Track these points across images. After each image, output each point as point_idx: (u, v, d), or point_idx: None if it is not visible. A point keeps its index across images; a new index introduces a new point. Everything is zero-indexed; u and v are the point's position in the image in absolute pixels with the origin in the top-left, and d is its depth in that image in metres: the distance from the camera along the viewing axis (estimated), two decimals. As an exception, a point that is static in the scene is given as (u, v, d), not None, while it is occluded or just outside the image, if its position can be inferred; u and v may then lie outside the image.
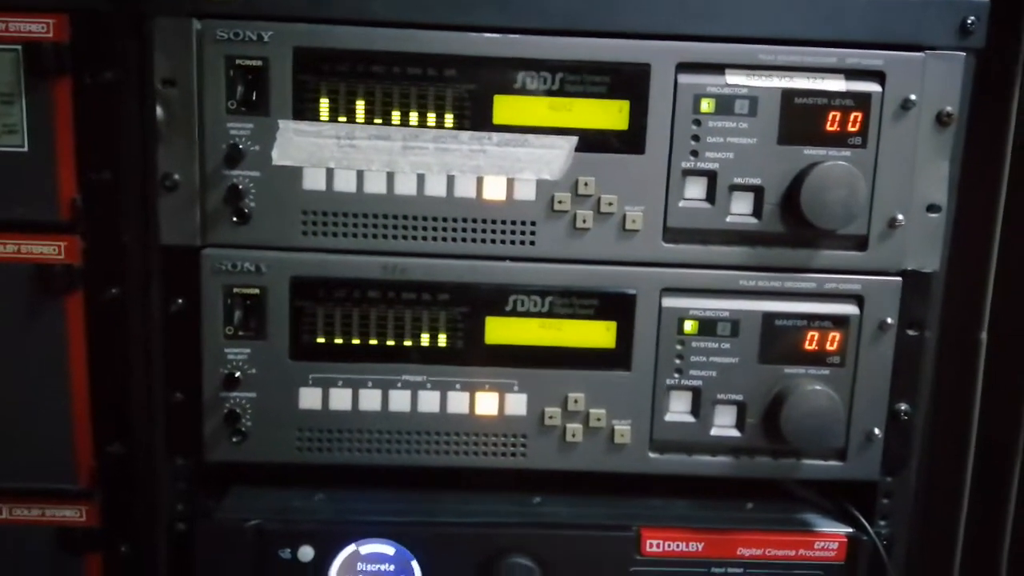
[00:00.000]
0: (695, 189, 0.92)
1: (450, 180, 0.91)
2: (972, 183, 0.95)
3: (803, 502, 1.03)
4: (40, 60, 0.86)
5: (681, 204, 0.92)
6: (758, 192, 0.92)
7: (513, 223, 0.92)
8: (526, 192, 0.91)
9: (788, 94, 0.90)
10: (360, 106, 0.89)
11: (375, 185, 0.90)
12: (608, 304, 0.94)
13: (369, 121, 0.89)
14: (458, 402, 0.95)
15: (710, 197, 0.92)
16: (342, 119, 0.89)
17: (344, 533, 0.95)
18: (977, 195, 0.95)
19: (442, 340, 0.94)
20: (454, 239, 0.92)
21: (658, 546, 0.96)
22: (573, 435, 0.95)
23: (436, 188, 0.91)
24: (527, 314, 0.94)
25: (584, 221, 0.92)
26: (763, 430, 0.95)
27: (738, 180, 0.91)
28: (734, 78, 0.90)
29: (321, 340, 0.93)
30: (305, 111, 0.89)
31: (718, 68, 0.90)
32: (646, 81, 0.90)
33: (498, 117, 0.90)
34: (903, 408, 0.96)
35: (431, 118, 0.90)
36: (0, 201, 0.89)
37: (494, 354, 0.94)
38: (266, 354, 0.93)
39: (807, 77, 0.90)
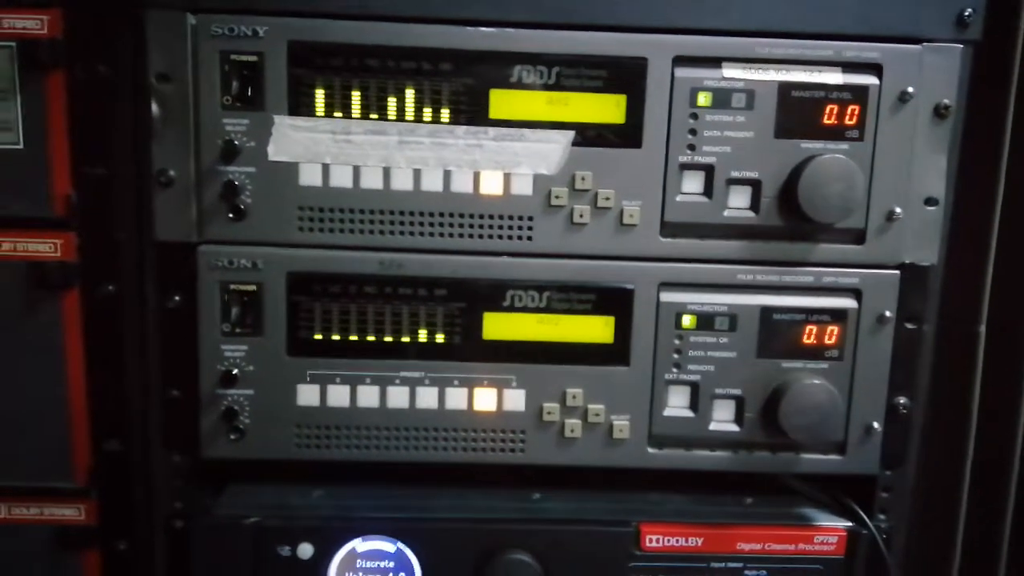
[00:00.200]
0: (692, 183, 0.92)
1: (447, 175, 0.90)
2: (970, 176, 0.95)
3: (802, 496, 1.03)
4: (34, 56, 0.86)
5: (678, 198, 0.92)
6: (755, 186, 0.92)
7: (510, 218, 0.92)
8: (523, 187, 0.91)
9: (785, 87, 0.90)
10: (356, 101, 0.89)
11: (371, 180, 0.90)
12: (606, 299, 0.94)
13: (365, 116, 0.89)
14: (456, 398, 0.95)
15: (707, 191, 0.92)
16: (338, 114, 0.89)
17: (343, 530, 0.95)
18: (975, 188, 0.95)
19: (440, 336, 0.94)
20: (451, 234, 0.92)
21: (657, 541, 0.96)
22: (572, 430, 0.95)
23: (433, 183, 0.90)
24: (525, 309, 0.94)
25: (581, 216, 0.91)
26: (762, 424, 0.95)
27: (735, 174, 0.91)
28: (731, 71, 0.90)
29: (318, 336, 0.93)
30: (301, 106, 0.89)
31: (715, 61, 0.90)
32: (643, 75, 0.89)
33: (494, 111, 0.90)
34: (902, 402, 0.96)
35: (427, 113, 0.89)
36: (-4, 198, 0.89)
37: (492, 350, 0.94)
38: (263, 351, 0.93)
39: (804, 70, 0.90)
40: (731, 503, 1.01)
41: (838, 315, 0.94)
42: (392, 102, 0.89)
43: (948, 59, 0.91)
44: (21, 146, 0.88)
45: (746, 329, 0.94)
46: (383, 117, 0.89)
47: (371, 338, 0.93)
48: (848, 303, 0.94)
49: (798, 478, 1.05)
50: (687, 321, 0.94)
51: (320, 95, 0.89)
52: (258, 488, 0.99)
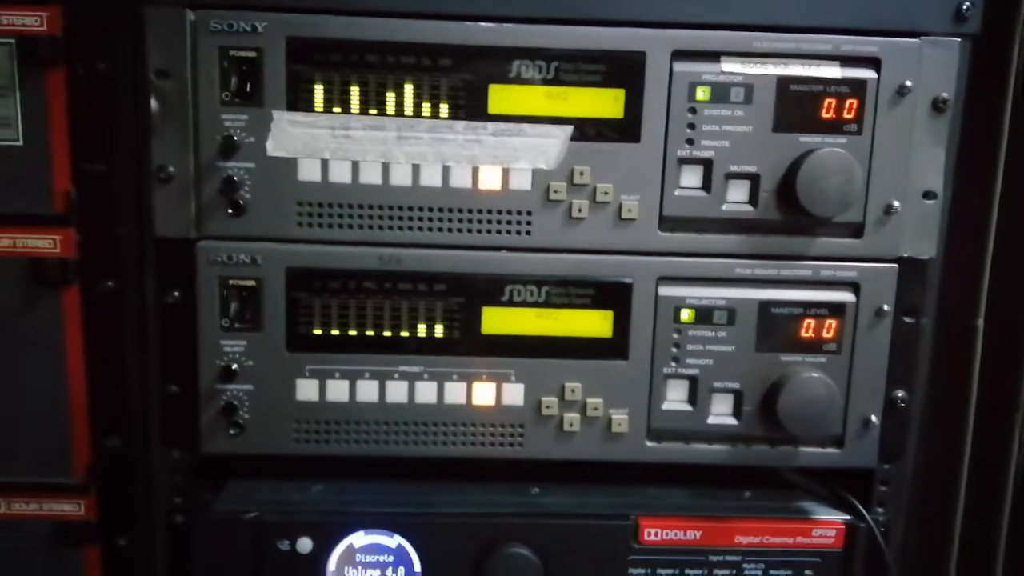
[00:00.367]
0: (691, 177, 0.92)
1: (446, 170, 0.90)
2: (968, 169, 0.95)
3: (800, 490, 1.03)
4: (34, 53, 0.86)
5: (677, 193, 0.92)
6: (754, 180, 0.92)
7: (509, 213, 0.92)
8: (522, 182, 0.91)
9: (783, 81, 0.90)
10: (355, 96, 0.89)
11: (370, 176, 0.90)
12: (604, 293, 0.94)
13: (364, 111, 0.89)
14: (455, 392, 0.95)
15: (706, 185, 0.92)
16: (336, 110, 0.89)
17: (343, 524, 0.95)
18: (973, 181, 0.95)
19: (439, 331, 0.94)
20: (450, 229, 0.92)
21: (656, 535, 0.97)
22: (570, 424, 0.95)
23: (432, 178, 0.91)
24: (523, 304, 0.94)
25: (580, 210, 0.91)
26: (760, 418, 0.95)
27: (734, 168, 0.91)
28: (729, 66, 0.90)
29: (318, 332, 0.93)
30: (299, 102, 0.89)
31: (713, 56, 0.90)
32: (641, 69, 0.89)
33: (493, 106, 0.90)
34: (900, 395, 0.96)
35: (426, 108, 0.89)
36: (-5, 195, 0.89)
37: (491, 344, 0.94)
38: (262, 346, 0.93)
39: (802, 64, 0.90)
40: (729, 496, 1.01)
41: (836, 309, 0.94)
42: (391, 98, 0.89)
43: (946, 53, 0.91)
44: (21, 143, 0.88)
45: (744, 323, 0.94)
46: (382, 113, 0.89)
47: (370, 333, 0.93)
48: (846, 297, 0.94)
49: (796, 471, 1.05)
50: (685, 315, 0.94)
51: (319, 91, 0.89)
52: (258, 483, 0.99)
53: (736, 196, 0.93)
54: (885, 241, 0.94)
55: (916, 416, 0.99)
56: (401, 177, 0.90)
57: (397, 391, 0.94)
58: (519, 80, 0.89)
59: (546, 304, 0.94)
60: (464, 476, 1.01)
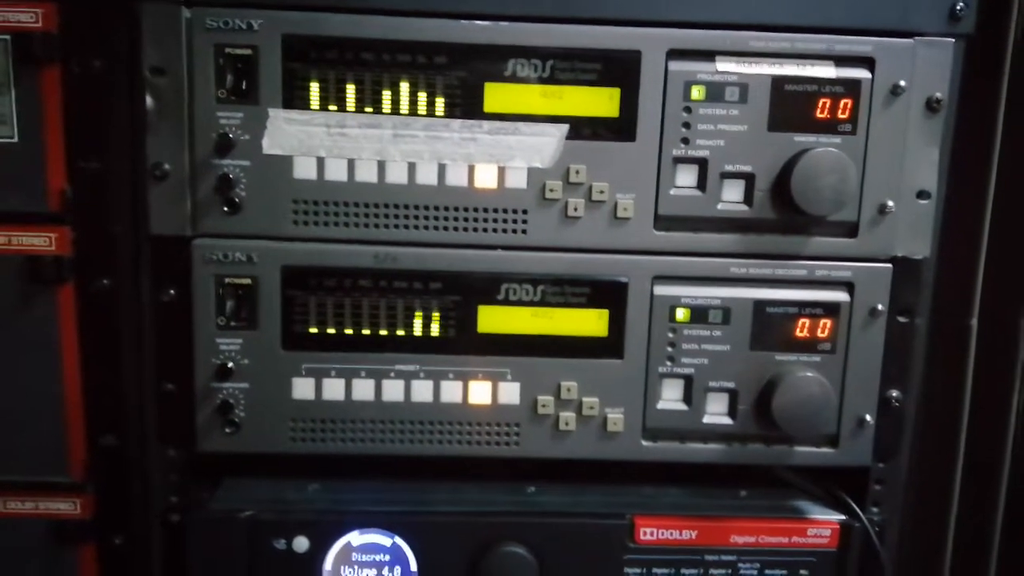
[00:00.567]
0: (686, 176, 0.92)
1: (441, 168, 0.91)
2: (962, 169, 0.95)
3: (795, 489, 1.04)
4: (29, 49, 0.86)
5: (672, 192, 0.92)
6: (749, 179, 0.92)
7: (504, 211, 0.92)
8: (517, 180, 0.91)
9: (778, 81, 0.90)
10: (350, 94, 0.89)
11: (366, 174, 0.90)
12: (600, 292, 0.94)
13: (359, 109, 0.89)
14: (451, 391, 0.95)
15: (701, 184, 0.92)
16: (332, 107, 0.89)
17: (339, 523, 0.95)
18: (967, 181, 0.95)
19: (435, 329, 0.94)
20: (446, 228, 0.92)
21: (651, 534, 0.97)
22: (566, 423, 0.95)
23: (427, 176, 0.91)
24: (519, 303, 0.94)
25: (575, 209, 0.92)
26: (755, 417, 0.96)
27: (729, 167, 0.92)
28: (724, 65, 0.90)
29: (313, 330, 0.93)
30: (295, 99, 0.89)
31: (708, 55, 0.90)
32: (637, 68, 0.90)
33: (489, 105, 0.90)
34: (894, 394, 0.97)
35: (422, 106, 0.90)
36: (-10, 192, 0.89)
37: (487, 343, 0.94)
38: (258, 344, 0.93)
39: (797, 64, 0.91)
40: (725, 496, 1.01)
41: (831, 308, 0.95)
42: (387, 95, 0.89)
43: (940, 53, 0.91)
44: (16, 140, 0.88)
45: (739, 322, 0.95)
46: (378, 111, 0.90)
47: (366, 332, 0.93)
48: (841, 296, 0.95)
49: (791, 470, 1.05)
50: (681, 314, 0.94)
51: (314, 88, 0.89)
52: (253, 482, 0.99)
53: (731, 195, 0.93)
54: (879, 241, 0.94)
55: (910, 415, 0.99)
56: (397, 175, 0.91)
57: (393, 390, 0.94)
58: (515, 79, 0.89)
59: (542, 303, 0.94)
60: (460, 475, 1.01)
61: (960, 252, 0.97)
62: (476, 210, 0.92)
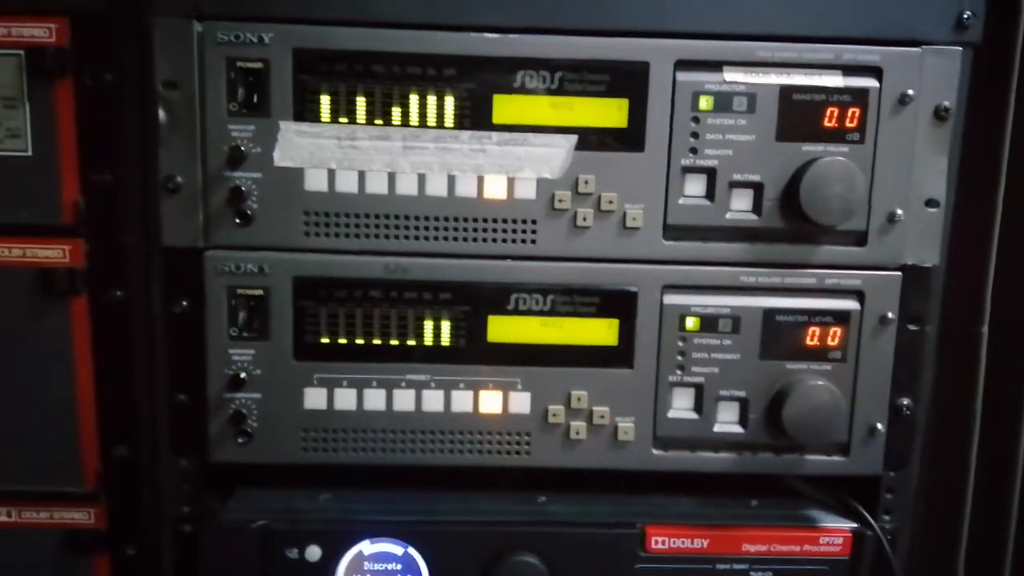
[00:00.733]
0: (695, 186, 0.93)
1: (451, 180, 0.91)
2: (970, 177, 0.95)
3: (806, 498, 1.03)
4: (42, 64, 0.87)
5: (681, 201, 0.92)
6: (757, 189, 0.92)
7: (514, 222, 0.92)
8: (527, 191, 0.92)
9: (786, 90, 0.91)
10: (361, 106, 0.90)
11: (376, 185, 0.91)
12: (610, 302, 0.94)
13: (370, 121, 0.90)
14: (462, 401, 0.95)
15: (710, 194, 0.92)
16: (343, 120, 0.90)
17: (351, 533, 0.95)
18: (976, 189, 0.95)
19: (445, 339, 0.94)
20: (455, 238, 0.92)
21: (663, 543, 0.97)
22: (577, 433, 0.95)
23: (437, 188, 0.91)
24: (529, 312, 0.94)
25: (585, 219, 0.92)
26: (766, 426, 0.96)
27: (737, 177, 0.92)
28: (732, 75, 0.90)
29: (325, 340, 0.93)
30: (306, 112, 0.89)
31: (716, 65, 0.91)
32: (645, 79, 0.90)
33: (498, 116, 0.90)
34: (905, 403, 0.97)
35: (431, 118, 0.90)
36: (5, 205, 0.90)
37: (497, 353, 0.94)
38: (270, 355, 0.93)
39: (805, 73, 0.91)
40: (736, 505, 1.01)
41: (841, 317, 0.95)
42: (396, 108, 0.90)
43: (948, 61, 0.91)
44: (29, 153, 0.89)
45: (749, 331, 0.95)
46: (388, 123, 0.90)
47: (377, 342, 0.94)
48: (851, 305, 0.95)
49: (802, 479, 1.05)
50: (691, 323, 0.95)
51: (325, 101, 0.89)
52: (266, 492, 1.00)
53: (740, 205, 0.93)
54: (889, 249, 0.94)
55: (921, 423, 0.99)
56: (407, 187, 0.91)
57: (404, 399, 0.95)
58: (523, 90, 0.90)
59: (551, 312, 0.94)
60: (471, 484, 1.01)
61: (969, 259, 0.96)
62: (486, 221, 0.92)
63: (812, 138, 0.91)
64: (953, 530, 1.01)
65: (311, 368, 0.94)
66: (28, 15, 0.87)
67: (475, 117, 0.90)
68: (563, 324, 0.94)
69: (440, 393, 0.95)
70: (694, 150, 0.91)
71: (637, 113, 0.91)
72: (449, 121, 0.90)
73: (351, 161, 0.90)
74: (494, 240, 0.93)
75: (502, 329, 0.94)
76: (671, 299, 0.94)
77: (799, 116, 0.91)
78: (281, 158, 0.90)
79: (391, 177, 0.91)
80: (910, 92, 0.91)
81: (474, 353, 0.94)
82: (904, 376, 0.96)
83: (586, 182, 0.91)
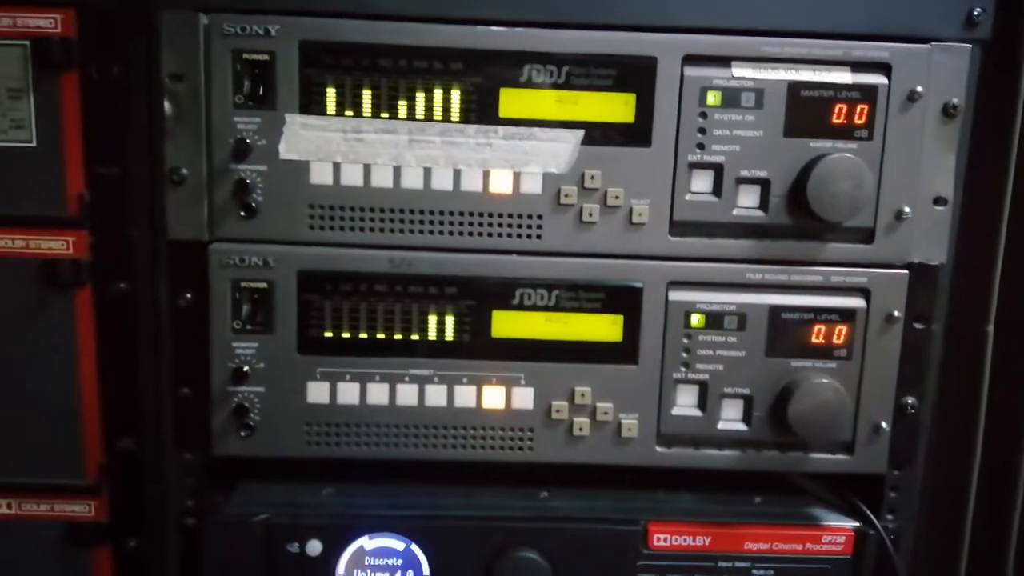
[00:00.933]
0: (701, 182, 0.92)
1: (457, 174, 0.91)
2: (979, 175, 0.95)
3: (810, 496, 1.03)
4: (48, 55, 0.87)
5: (687, 197, 0.92)
6: (764, 185, 0.92)
7: (520, 216, 0.92)
8: (532, 185, 0.91)
9: (794, 86, 0.90)
10: (367, 100, 0.89)
11: (382, 179, 0.91)
12: (615, 297, 0.94)
13: (375, 115, 0.90)
14: (465, 396, 0.95)
15: (716, 190, 0.92)
16: (348, 113, 0.90)
17: (352, 527, 0.95)
18: (984, 187, 0.95)
19: (449, 334, 0.94)
20: (461, 233, 0.92)
21: (665, 540, 0.96)
22: (580, 429, 0.95)
23: (443, 182, 0.91)
24: (534, 308, 0.94)
25: (590, 214, 0.92)
26: (770, 423, 0.96)
27: (744, 173, 0.92)
28: (740, 71, 0.90)
29: (329, 334, 0.93)
30: (312, 105, 0.89)
31: (724, 61, 0.90)
32: (652, 74, 0.90)
33: (504, 110, 0.90)
34: (910, 401, 0.96)
35: (437, 112, 0.90)
36: (9, 196, 0.90)
37: (501, 348, 0.94)
38: (274, 348, 0.93)
39: (813, 69, 0.90)
40: (739, 502, 1.01)
41: (847, 314, 0.94)
42: (402, 101, 0.90)
43: (957, 58, 0.91)
44: (34, 145, 0.89)
45: (755, 328, 0.94)
46: (394, 116, 0.90)
47: (381, 336, 0.94)
48: (857, 302, 0.94)
49: (806, 477, 1.05)
50: (696, 320, 0.94)
51: (331, 94, 0.89)
52: (268, 486, 1.00)
53: (747, 201, 0.93)
54: (896, 247, 0.94)
55: (926, 422, 0.98)
56: (412, 180, 0.91)
57: (407, 394, 0.94)
58: (530, 84, 0.90)
59: (556, 308, 0.94)
60: (473, 479, 1.01)
61: (977, 258, 0.96)
62: (491, 215, 0.92)
63: (820, 135, 0.91)
64: (956, 529, 1.01)
65: (314, 362, 0.94)
66: (34, 5, 0.86)
67: (481, 111, 0.90)
68: (568, 320, 0.94)
69: (443, 388, 0.95)
70: (701, 146, 0.91)
71: (644, 108, 0.90)
72: (455, 115, 0.90)
73: (356, 154, 0.90)
74: (499, 235, 0.92)
75: (506, 324, 0.94)
76: (676, 295, 0.94)
77: (807, 112, 0.91)
78: (286, 151, 0.89)
79: (396, 171, 0.91)
80: (919, 89, 0.90)
81: (478, 348, 0.94)
82: (909, 375, 0.96)
83: (592, 177, 0.91)
